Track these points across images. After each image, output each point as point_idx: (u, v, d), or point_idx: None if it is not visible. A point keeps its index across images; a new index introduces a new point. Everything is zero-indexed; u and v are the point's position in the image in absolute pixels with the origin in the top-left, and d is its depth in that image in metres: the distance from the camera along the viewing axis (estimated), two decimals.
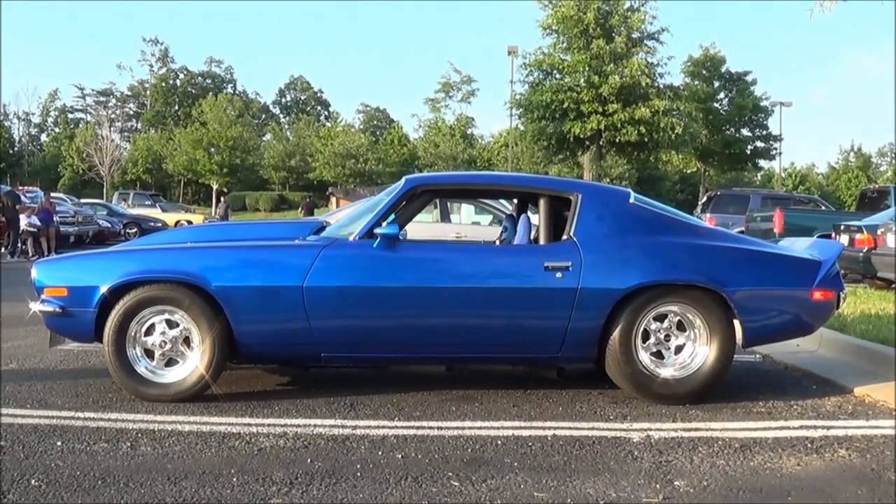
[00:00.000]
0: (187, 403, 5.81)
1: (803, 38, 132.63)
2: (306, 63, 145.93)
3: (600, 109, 38.11)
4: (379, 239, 5.90)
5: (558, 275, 5.89)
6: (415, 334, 6.00)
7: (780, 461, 4.77)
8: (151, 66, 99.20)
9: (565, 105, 38.28)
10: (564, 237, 6.14)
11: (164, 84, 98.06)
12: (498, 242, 7.57)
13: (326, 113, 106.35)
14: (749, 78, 54.91)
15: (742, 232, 17.59)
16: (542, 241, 6.37)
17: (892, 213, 14.43)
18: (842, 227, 14.87)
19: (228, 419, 5.47)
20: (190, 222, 37.58)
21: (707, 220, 21.18)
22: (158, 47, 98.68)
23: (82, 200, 40.28)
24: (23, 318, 8.48)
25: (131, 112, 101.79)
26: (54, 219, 24.14)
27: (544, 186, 6.73)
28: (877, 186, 24.09)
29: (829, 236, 14.58)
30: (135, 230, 33.94)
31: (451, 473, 4.45)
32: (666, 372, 6.04)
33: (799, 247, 6.73)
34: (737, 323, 6.08)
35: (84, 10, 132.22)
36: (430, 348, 6.10)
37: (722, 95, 55.23)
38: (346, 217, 7.15)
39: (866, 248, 13.53)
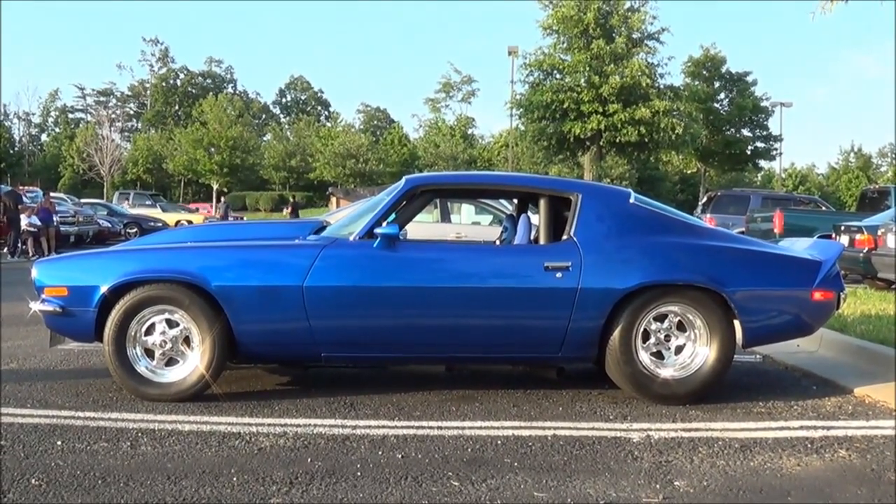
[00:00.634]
0: (187, 403, 5.81)
1: (803, 39, 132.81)
2: (306, 63, 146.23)
3: (600, 110, 38.15)
4: (379, 239, 5.90)
5: (558, 275, 5.89)
6: (415, 334, 6.00)
7: (780, 461, 4.77)
8: (152, 66, 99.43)
9: (565, 105, 38.32)
10: (564, 237, 6.14)
11: (164, 84, 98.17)
12: (498, 242, 7.57)
13: (327, 113, 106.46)
14: (749, 78, 54.95)
15: (742, 232, 17.59)
16: (542, 241, 6.37)
17: (893, 213, 14.42)
18: (842, 228, 14.87)
19: (228, 419, 5.47)
20: (190, 222, 37.60)
21: (707, 221, 21.17)
22: (159, 47, 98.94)
23: (82, 200, 40.29)
24: (23, 318, 8.46)
25: (131, 112, 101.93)
26: (54, 219, 24.16)
27: (544, 186, 6.73)
28: (877, 187, 24.06)
29: (829, 237, 14.57)
30: (135, 230, 33.93)
31: (451, 473, 4.45)
32: (666, 372, 6.03)
33: (799, 247, 6.73)
34: (737, 323, 6.08)
35: (84, 9, 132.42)
36: (431, 348, 6.09)
37: (722, 96, 55.25)
38: (346, 217, 7.15)
39: (866, 249, 13.53)
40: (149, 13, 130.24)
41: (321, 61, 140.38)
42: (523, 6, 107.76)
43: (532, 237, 6.66)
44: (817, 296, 6.17)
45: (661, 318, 6.04)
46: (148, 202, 44.53)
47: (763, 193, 27.16)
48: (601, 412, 5.83)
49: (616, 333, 5.94)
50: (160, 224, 35.01)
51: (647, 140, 38.77)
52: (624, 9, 39.20)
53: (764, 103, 54.36)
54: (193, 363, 5.88)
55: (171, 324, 5.90)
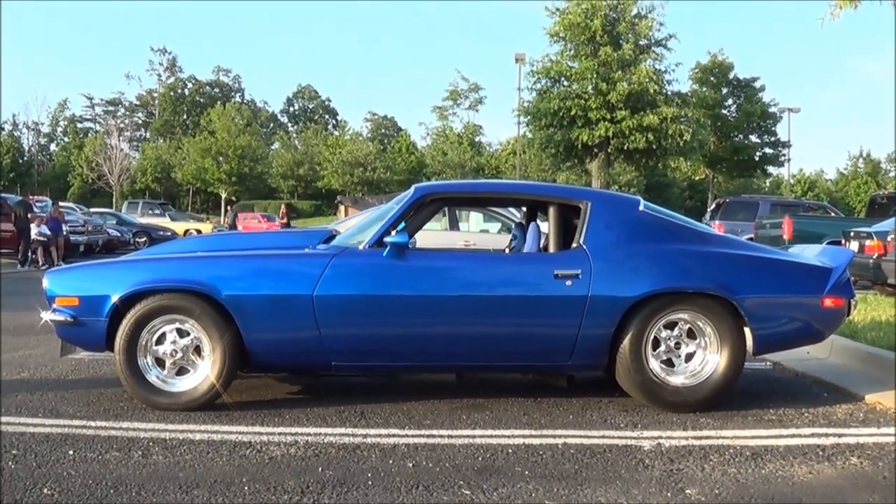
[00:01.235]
0: (198, 412, 5.82)
1: (811, 44, 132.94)
2: (314, 72, 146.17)
3: (608, 116, 38.11)
4: (389, 248, 5.91)
5: (568, 283, 5.90)
6: (425, 343, 6.01)
7: (791, 469, 4.76)
8: (160, 75, 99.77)
9: (573, 112, 38.28)
10: (574, 245, 6.15)
11: (172, 93, 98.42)
12: (507, 250, 7.57)
13: (334, 121, 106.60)
14: (757, 84, 54.82)
15: (751, 239, 17.56)
16: (551, 249, 6.37)
17: None
18: (851, 234, 14.83)
19: (239, 428, 5.48)
20: (199, 231, 37.66)
21: (716, 228, 21.14)
22: (166, 56, 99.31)
23: (92, 210, 40.39)
24: (34, 328, 8.50)
25: (140, 121, 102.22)
26: (64, 228, 24.22)
27: (554, 194, 6.73)
28: (886, 192, 24.03)
29: (838, 243, 14.54)
30: (144, 239, 34.03)
31: (461, 482, 4.45)
32: (676, 380, 6.03)
33: (809, 254, 6.72)
34: (747, 330, 6.08)
35: (92, 19, 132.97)
36: (441, 357, 6.10)
37: (730, 102, 55.13)
38: (355, 226, 7.17)
39: (876, 255, 13.49)
40: (156, 22, 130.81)
41: (328, 70, 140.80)
42: (530, 14, 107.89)
43: (541, 245, 6.66)
44: (828, 302, 6.17)
45: (671, 325, 6.04)
46: (157, 211, 44.64)
47: (772, 200, 27.11)
48: (612, 420, 5.82)
49: (626, 341, 5.94)
50: (169, 233, 35.09)
51: (655, 147, 38.71)
52: (631, 15, 39.17)
53: (772, 109, 54.26)
54: (204, 372, 5.89)
55: (181, 333, 5.92)
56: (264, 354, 5.97)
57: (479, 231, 16.11)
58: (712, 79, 54.39)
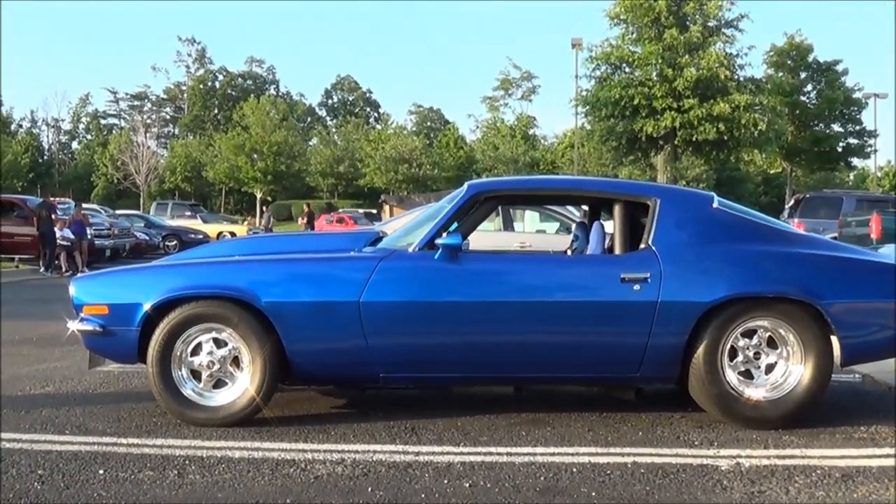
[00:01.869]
0: (237, 428, 5.86)
1: None
2: (354, 61, 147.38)
3: (675, 105, 37.98)
4: (440, 250, 5.92)
5: (636, 287, 5.87)
6: (480, 353, 6.01)
7: (886, 493, 4.69)
8: (188, 67, 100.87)
9: (636, 101, 38.19)
10: (642, 246, 6.12)
11: (202, 86, 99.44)
12: (569, 252, 7.55)
13: (376, 114, 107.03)
14: (839, 67, 54.18)
15: (835, 238, 17.36)
16: (617, 251, 6.33)
17: None
18: None
19: (282, 445, 5.52)
20: (233, 234, 37.98)
21: (795, 226, 20.92)
22: (195, 47, 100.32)
23: (117, 212, 40.92)
24: (59, 338, 8.63)
25: (168, 117, 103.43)
26: (88, 231, 24.55)
27: (619, 191, 6.70)
28: None
29: None
30: (174, 243, 34.40)
31: None
32: (756, 393, 5.97)
33: None
34: (834, 339, 5.99)
35: (114, 7, 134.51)
36: (497, 368, 6.11)
37: (809, 88, 54.57)
38: (403, 227, 7.19)
39: None
40: (184, 10, 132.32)
41: (369, 59, 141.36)
42: None
43: (606, 246, 6.64)
44: None
45: (749, 333, 5.98)
46: (188, 213, 45.16)
47: (857, 195, 26.82)
48: (685, 437, 5.78)
49: (700, 351, 5.89)
50: (201, 236, 35.44)
51: (726, 138, 38.51)
52: None
53: (856, 95, 53.64)
54: (243, 385, 5.93)
55: (218, 343, 5.96)
56: (307, 365, 6.00)
57: (535, 231, 16.08)
58: (789, 62, 53.85)
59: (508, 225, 15.24)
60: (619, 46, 39.67)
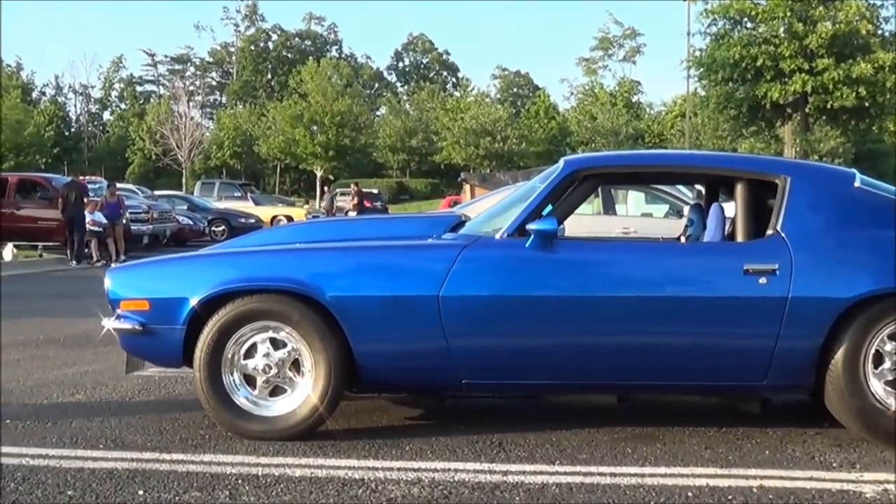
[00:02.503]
0: (297, 442, 5.91)
1: None
2: (428, 18, 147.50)
3: (805, 66, 37.45)
4: (533, 236, 5.91)
5: (762, 280, 5.82)
6: (578, 356, 6.01)
7: None
8: (237, 25, 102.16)
9: (760, 62, 37.75)
10: (769, 232, 6.05)
11: (252, 48, 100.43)
12: (683, 239, 7.50)
13: (454, 80, 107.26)
14: None
15: None
16: (739, 238, 6.28)
17: None
18: None
19: (349, 462, 5.56)
20: (290, 218, 38.23)
21: None
22: (245, 3, 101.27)
23: (156, 193, 41.40)
24: (91, 338, 8.76)
25: (214, 83, 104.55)
26: (123, 216, 24.64)
27: (742, 167, 6.63)
28: None
29: None
30: (222, 228, 34.75)
31: None
32: None
33: None
34: None
35: None
36: (598, 374, 6.09)
37: None
38: (489, 210, 7.19)
39: None
40: None
41: (446, 15, 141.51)
42: None
43: (726, 232, 6.58)
44: None
45: None
46: (237, 194, 45.40)
47: None
48: (821, 458, 5.73)
49: (839, 356, 5.81)
50: (253, 221, 35.72)
51: (867, 104, 37.90)
52: None
53: None
54: (304, 392, 5.97)
55: (276, 344, 6.01)
56: (378, 370, 6.04)
57: (640, 215, 16.02)
58: None
59: (610, 208, 15.22)
60: None
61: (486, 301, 5.89)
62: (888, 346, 5.86)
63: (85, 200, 23.45)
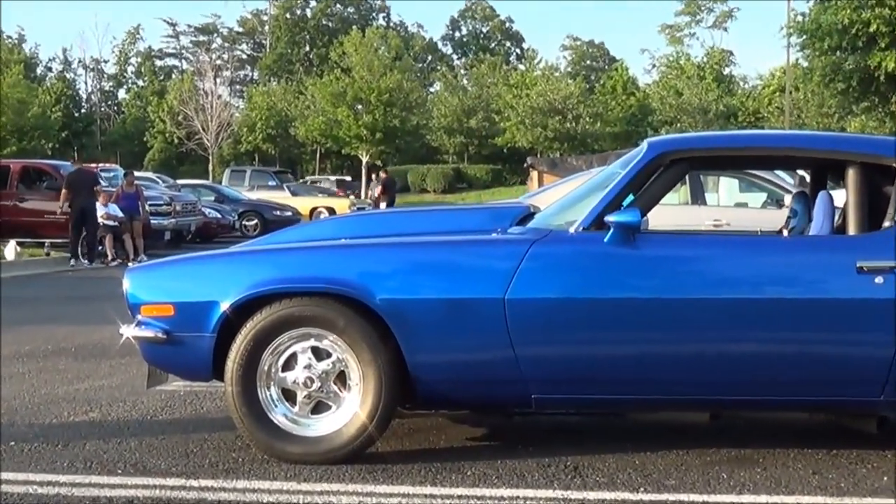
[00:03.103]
0: (344, 466, 5.93)
1: None
2: None
3: None
4: (612, 230, 5.90)
5: (878, 280, 5.78)
6: (664, 367, 6.01)
7: None
8: None
9: (873, 27, 37.30)
10: (886, 224, 6.03)
11: (288, 16, 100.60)
12: (786, 233, 7.47)
13: (518, 51, 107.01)
14: None
15: None
16: (850, 231, 6.24)
17: None
18: None
19: (402, 489, 5.58)
20: (332, 211, 38.30)
21: None
22: None
23: (180, 182, 41.65)
24: (108, 348, 8.81)
25: (244, 56, 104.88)
26: (142, 208, 24.66)
27: (854, 150, 6.56)
28: None
29: None
30: (255, 222, 34.93)
31: None
32: None
33: None
34: None
35: None
36: (687, 387, 6.08)
37: None
38: (560, 200, 7.18)
39: None
40: None
41: None
42: None
43: (835, 224, 6.54)
44: None
45: None
46: (271, 183, 45.64)
47: None
48: None
49: None
50: (290, 213, 35.84)
51: None
52: None
53: None
54: (351, 409, 5.99)
55: (319, 354, 6.03)
56: (435, 383, 6.05)
57: (734, 205, 15.94)
58: None
59: (699, 196, 15.16)
60: None
61: (558, 304, 5.89)
62: None
63: (96, 190, 23.41)
